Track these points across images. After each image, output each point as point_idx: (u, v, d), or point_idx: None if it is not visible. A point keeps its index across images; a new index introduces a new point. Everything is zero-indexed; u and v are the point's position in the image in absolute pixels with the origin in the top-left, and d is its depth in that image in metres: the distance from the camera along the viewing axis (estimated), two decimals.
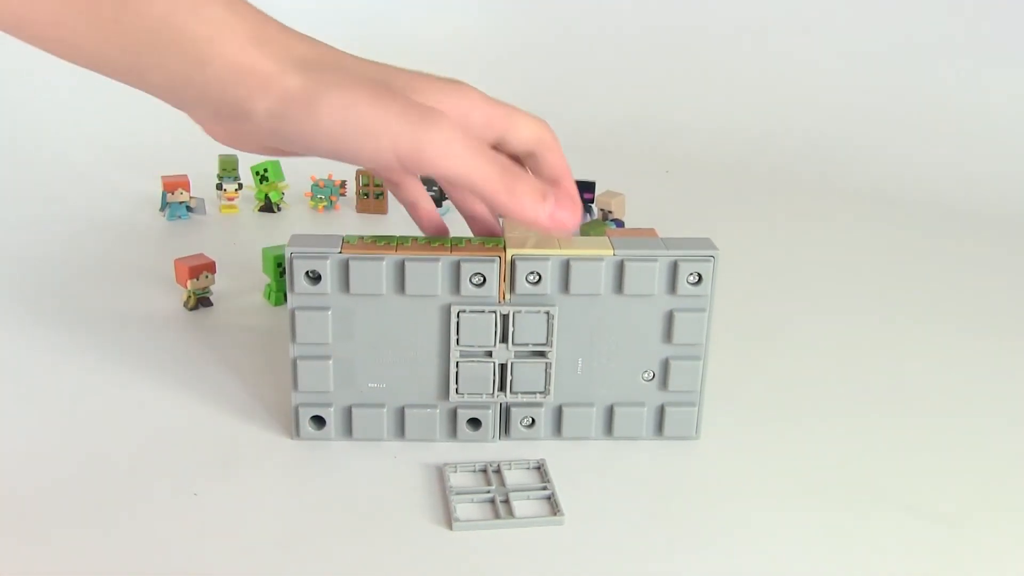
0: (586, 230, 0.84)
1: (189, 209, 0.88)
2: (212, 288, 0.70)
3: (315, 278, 0.50)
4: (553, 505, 0.48)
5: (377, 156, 0.43)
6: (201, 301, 0.69)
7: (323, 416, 0.53)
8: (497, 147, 0.49)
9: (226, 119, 0.44)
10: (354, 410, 0.53)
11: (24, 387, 0.59)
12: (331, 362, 0.52)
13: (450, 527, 0.46)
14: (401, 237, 0.52)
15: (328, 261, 0.50)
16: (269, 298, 0.71)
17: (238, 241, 0.83)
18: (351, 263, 0.50)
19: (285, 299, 0.70)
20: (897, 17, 1.29)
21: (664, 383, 0.53)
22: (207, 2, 0.42)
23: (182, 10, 0.41)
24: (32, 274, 0.75)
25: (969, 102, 1.21)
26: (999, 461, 0.54)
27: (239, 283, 0.73)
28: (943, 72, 1.23)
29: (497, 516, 0.47)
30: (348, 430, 0.53)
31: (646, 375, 0.53)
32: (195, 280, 0.68)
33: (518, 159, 0.51)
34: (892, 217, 0.98)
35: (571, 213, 0.46)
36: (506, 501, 0.48)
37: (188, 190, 0.87)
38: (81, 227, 0.85)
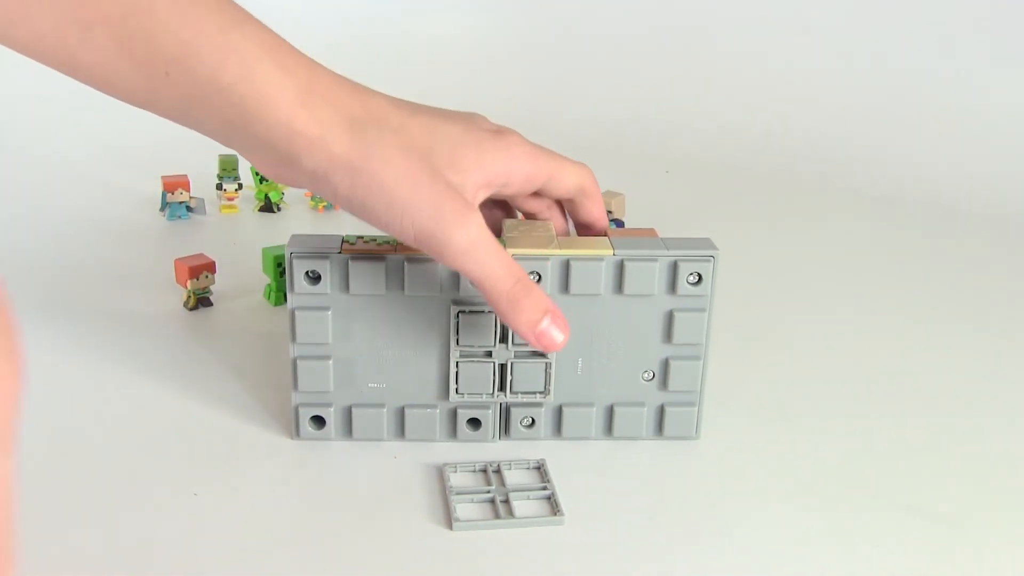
0: None
1: (189, 209, 0.88)
2: (212, 288, 0.70)
3: (315, 278, 0.50)
4: (553, 505, 0.48)
5: (400, 232, 0.45)
6: (201, 301, 0.69)
7: (323, 416, 0.53)
8: (539, 193, 0.52)
9: (275, 165, 0.45)
10: (354, 410, 0.53)
11: (24, 386, 0.59)
12: (331, 362, 0.52)
13: (450, 527, 0.46)
14: None
15: (328, 261, 0.50)
16: (269, 298, 0.71)
17: (238, 241, 0.83)
18: (351, 263, 0.50)
19: (285, 299, 0.70)
20: (898, 17, 1.29)
21: (664, 383, 0.53)
22: (257, 59, 0.42)
23: (231, 70, 0.41)
24: (32, 274, 0.75)
25: (970, 102, 1.21)
26: (999, 461, 0.54)
27: (239, 283, 0.73)
28: (943, 72, 1.23)
29: (497, 516, 0.47)
30: (348, 430, 0.53)
31: (646, 375, 0.53)
32: (195, 280, 0.68)
33: (559, 203, 0.55)
34: (892, 217, 0.98)
35: (562, 333, 0.47)
36: (506, 501, 0.48)
37: (188, 190, 0.87)
38: (81, 227, 0.85)
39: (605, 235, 0.54)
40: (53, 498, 0.48)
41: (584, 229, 0.56)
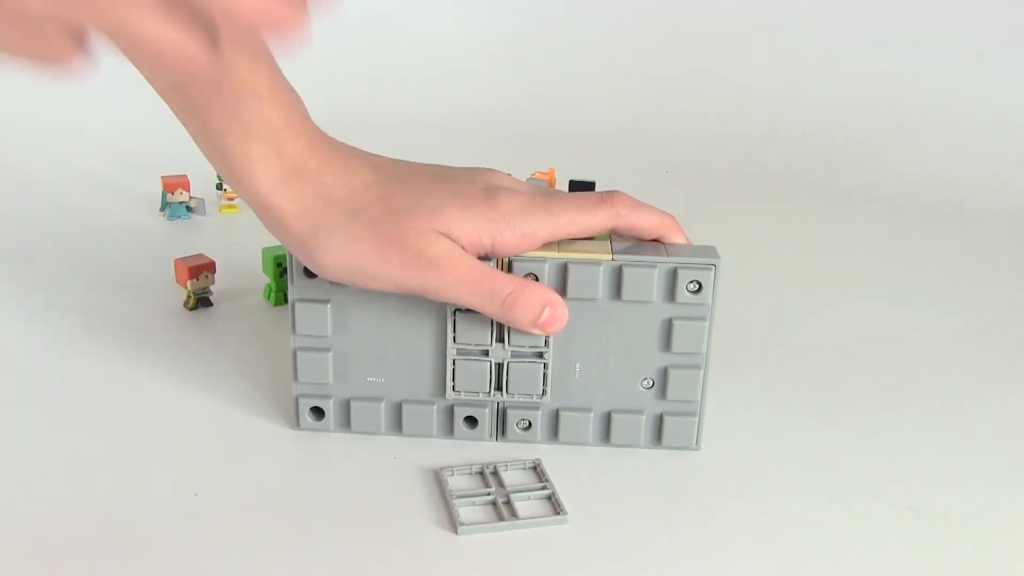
0: None
1: (189, 209, 0.88)
2: (212, 288, 0.70)
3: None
4: (555, 504, 0.49)
5: (381, 290, 0.48)
6: (201, 301, 0.69)
7: (322, 408, 0.54)
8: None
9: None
10: (352, 403, 0.53)
11: (24, 386, 0.59)
12: (330, 355, 0.52)
13: (455, 531, 0.47)
14: None
15: None
16: (269, 298, 0.71)
17: (238, 241, 0.83)
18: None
19: (285, 299, 0.70)
20: (898, 18, 1.29)
21: (663, 392, 0.52)
22: (254, 136, 0.47)
23: (235, 136, 0.47)
24: (32, 274, 0.75)
25: (970, 102, 1.21)
26: (999, 461, 0.55)
27: (239, 283, 0.73)
28: (944, 73, 1.23)
29: (501, 518, 0.47)
30: (346, 422, 0.54)
31: (645, 383, 0.53)
32: (195, 280, 0.68)
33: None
34: (892, 220, 0.98)
35: (563, 315, 0.49)
36: (508, 502, 0.49)
37: (188, 190, 0.87)
38: (81, 227, 0.85)
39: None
40: (54, 497, 0.48)
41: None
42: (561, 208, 0.49)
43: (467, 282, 0.47)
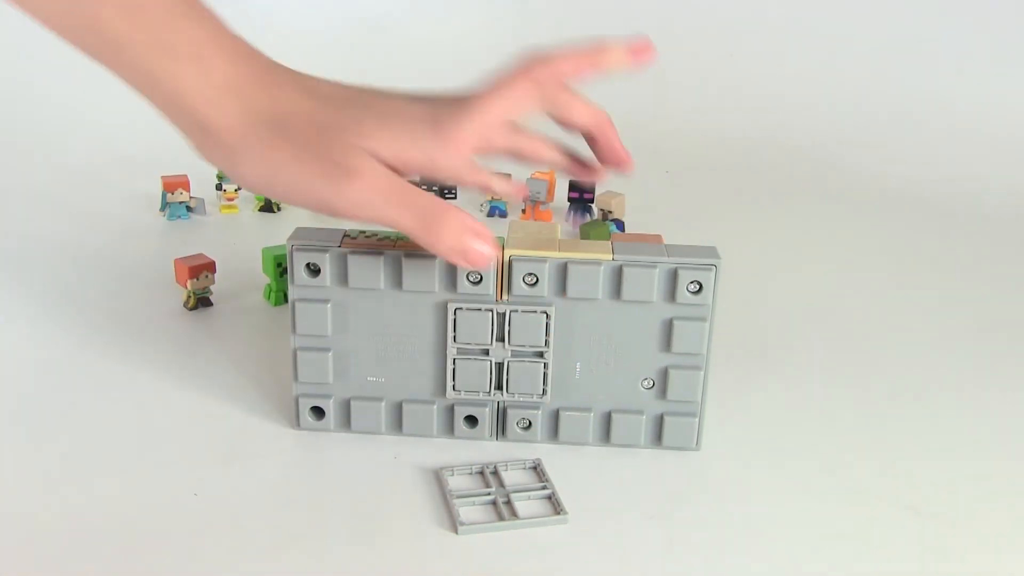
0: (587, 230, 0.84)
1: (189, 209, 0.88)
2: (212, 288, 0.70)
3: (315, 271, 0.51)
4: (555, 504, 0.49)
5: (302, 204, 0.47)
6: (201, 301, 0.69)
7: (322, 407, 0.54)
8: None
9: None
10: (352, 403, 0.53)
11: (25, 386, 0.59)
12: (330, 354, 0.52)
13: (455, 531, 0.46)
14: (401, 234, 0.52)
15: (327, 254, 0.50)
16: (269, 298, 0.71)
17: (238, 241, 0.83)
18: (349, 257, 0.50)
19: (285, 299, 0.70)
20: (899, 18, 1.29)
21: (663, 392, 0.53)
22: (180, 57, 0.46)
23: (159, 60, 0.46)
24: (32, 274, 0.75)
25: (971, 102, 1.21)
26: (999, 461, 0.55)
27: (239, 283, 0.73)
28: (945, 73, 1.23)
29: (501, 518, 0.47)
30: (347, 422, 0.54)
31: (645, 383, 0.53)
32: (195, 280, 0.68)
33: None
34: (892, 219, 0.98)
35: (487, 245, 0.47)
36: (508, 502, 0.49)
37: (188, 190, 0.87)
38: (81, 227, 0.85)
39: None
40: (54, 497, 0.48)
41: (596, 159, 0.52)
42: (479, 101, 0.47)
43: (390, 195, 0.45)
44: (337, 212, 0.46)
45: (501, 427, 0.54)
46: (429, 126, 0.46)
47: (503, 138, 0.48)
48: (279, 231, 0.86)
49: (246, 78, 0.47)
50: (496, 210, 0.93)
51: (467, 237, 0.46)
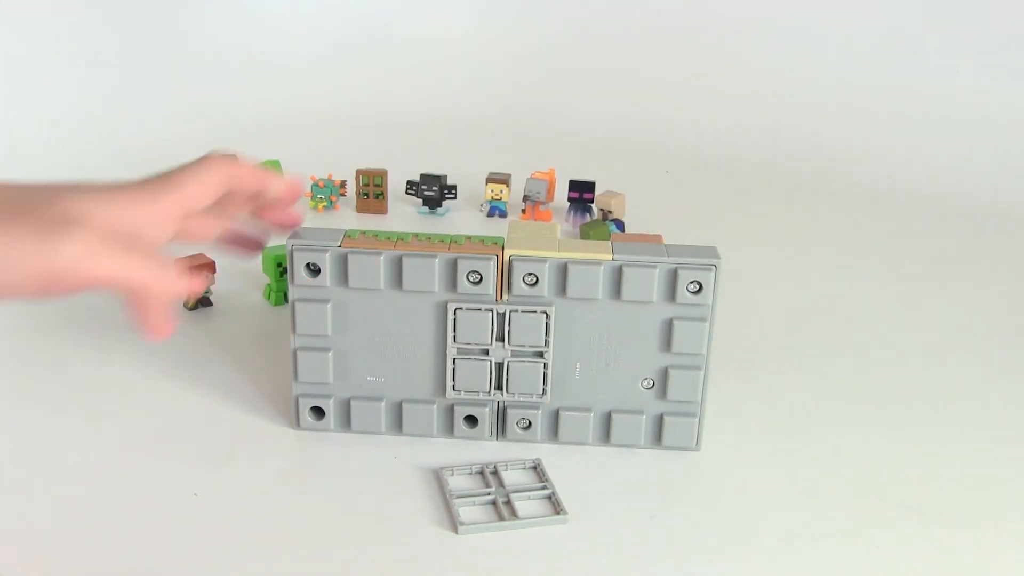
0: (587, 231, 0.84)
1: None
2: (212, 288, 0.70)
3: (315, 271, 0.51)
4: (555, 504, 0.49)
5: (17, 290, 0.39)
6: (201, 301, 0.69)
7: (322, 407, 0.54)
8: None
9: None
10: (352, 403, 0.53)
11: (25, 387, 0.59)
12: (330, 354, 0.52)
13: (455, 531, 0.46)
14: (402, 233, 0.52)
15: (327, 254, 0.50)
16: (269, 298, 0.71)
17: None
18: (349, 257, 0.50)
19: (285, 299, 0.70)
20: (899, 17, 1.29)
21: (663, 392, 0.52)
22: None
23: None
24: None
25: (971, 102, 1.20)
26: (999, 462, 0.55)
27: (239, 283, 0.73)
28: (945, 73, 1.23)
29: (501, 518, 0.47)
30: (347, 422, 0.54)
31: (645, 383, 0.53)
32: None
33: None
34: (891, 217, 0.98)
35: (200, 282, 0.46)
36: (508, 502, 0.49)
37: None
38: None
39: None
40: (54, 497, 0.48)
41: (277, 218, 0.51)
42: (182, 178, 0.45)
43: (116, 247, 0.41)
44: (62, 282, 0.40)
45: (501, 427, 0.54)
46: (143, 191, 0.44)
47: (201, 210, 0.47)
48: None
49: None
50: (496, 210, 0.93)
51: (187, 277, 0.44)
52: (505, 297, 0.51)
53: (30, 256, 0.39)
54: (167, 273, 0.43)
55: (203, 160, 0.47)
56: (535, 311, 0.51)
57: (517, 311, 0.51)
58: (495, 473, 0.51)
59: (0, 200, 0.41)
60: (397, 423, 0.54)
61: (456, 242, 0.51)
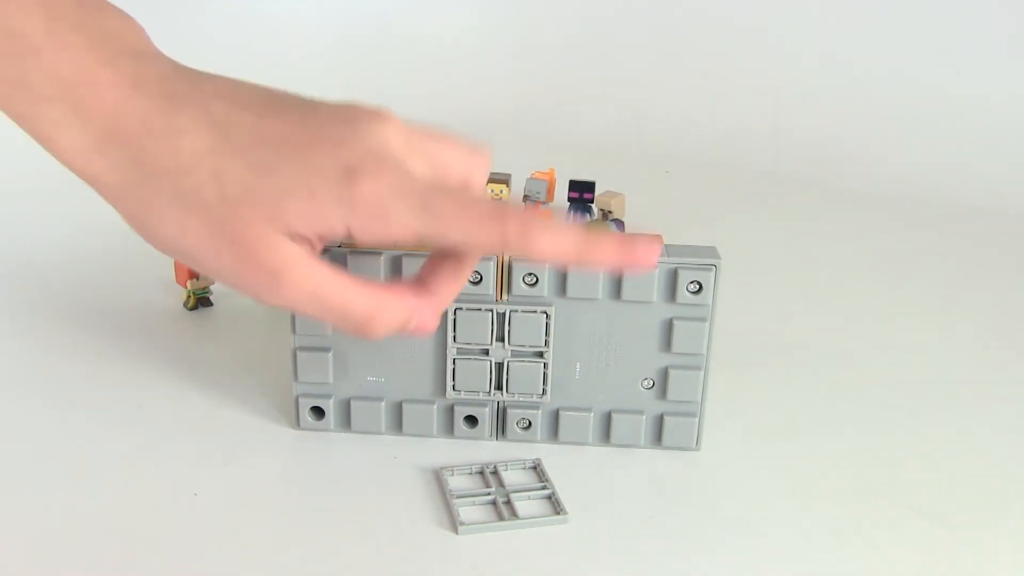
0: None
1: None
2: (212, 288, 0.70)
3: None
4: (555, 504, 0.49)
5: (229, 285, 0.39)
6: (201, 301, 0.69)
7: (322, 407, 0.54)
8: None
9: None
10: (352, 403, 0.53)
11: (24, 387, 0.59)
12: (330, 354, 0.52)
13: (455, 531, 0.47)
14: None
15: (327, 254, 0.50)
16: None
17: None
18: (349, 257, 0.50)
19: None
20: (899, 17, 1.29)
21: (663, 392, 0.53)
22: (43, 99, 0.36)
23: (22, 105, 0.37)
24: (32, 274, 0.75)
25: (971, 102, 1.20)
26: (999, 462, 0.55)
27: None
28: (944, 72, 1.23)
29: (501, 518, 0.47)
30: (347, 422, 0.54)
31: (645, 383, 0.53)
32: (195, 280, 0.68)
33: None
34: (896, 221, 0.98)
35: (431, 328, 0.42)
36: (508, 502, 0.49)
37: None
38: (81, 227, 0.85)
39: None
40: (54, 497, 0.48)
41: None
42: (445, 206, 0.38)
43: (314, 301, 0.38)
44: (276, 305, 0.39)
45: (501, 427, 0.54)
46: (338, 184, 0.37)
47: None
48: None
49: (135, 119, 0.37)
50: None
51: (412, 322, 0.41)
52: (505, 297, 0.51)
53: (241, 284, 0.38)
54: (374, 329, 0.40)
55: (494, 211, 0.38)
56: (535, 311, 0.51)
57: (517, 311, 0.51)
58: (495, 473, 0.51)
59: (206, 179, 0.37)
60: (397, 423, 0.54)
61: None
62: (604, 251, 0.39)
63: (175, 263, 0.69)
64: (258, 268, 0.37)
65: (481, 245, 0.40)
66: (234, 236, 0.37)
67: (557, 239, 0.38)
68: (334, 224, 0.37)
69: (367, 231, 0.38)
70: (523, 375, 0.52)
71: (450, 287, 0.42)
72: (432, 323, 0.42)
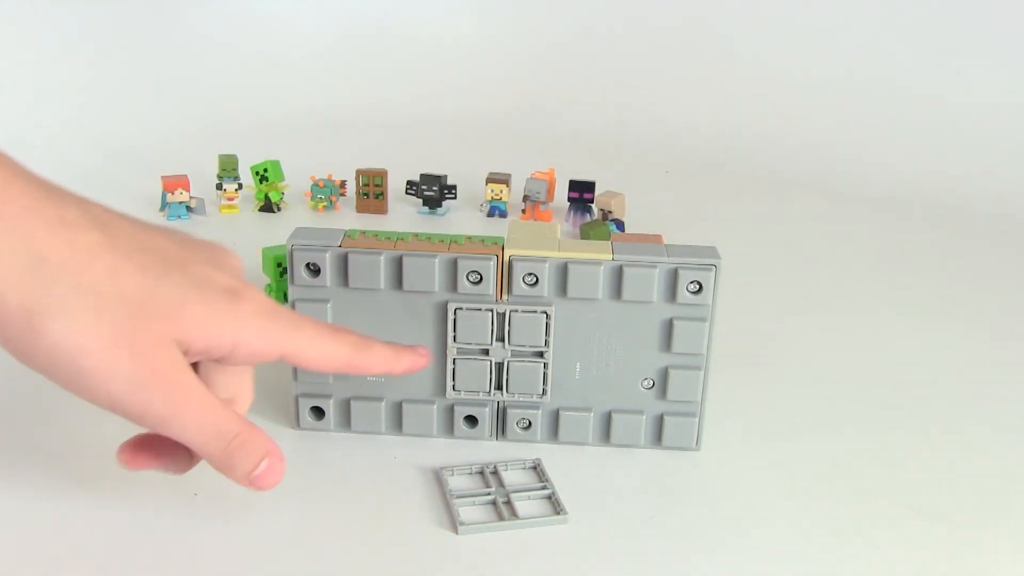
0: (586, 231, 0.84)
1: (189, 209, 0.88)
2: None
3: (315, 271, 0.51)
4: (555, 504, 0.49)
5: (93, 402, 0.38)
6: None
7: (322, 407, 0.54)
8: None
9: None
10: (352, 403, 0.53)
11: (23, 387, 0.59)
12: None
13: (455, 531, 0.47)
14: (402, 233, 0.52)
15: (327, 254, 0.50)
16: None
17: (238, 241, 0.83)
18: (350, 257, 0.50)
19: (285, 299, 0.70)
20: (898, 18, 1.29)
21: (663, 392, 0.53)
22: None
23: None
24: None
25: (970, 102, 1.21)
26: (999, 462, 0.55)
27: None
28: (943, 73, 1.23)
29: (501, 518, 0.47)
30: (346, 422, 0.54)
31: (645, 383, 0.53)
32: None
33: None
34: (896, 222, 0.98)
35: (277, 476, 0.42)
36: (508, 502, 0.49)
37: (188, 190, 0.87)
38: None
39: None
40: (53, 498, 0.48)
41: None
42: (305, 324, 0.43)
43: (197, 416, 0.39)
44: (134, 420, 0.39)
45: (501, 427, 0.54)
46: (255, 303, 0.40)
47: None
48: (279, 231, 0.86)
49: (25, 210, 0.36)
50: (496, 210, 0.93)
51: (262, 465, 0.41)
52: (505, 297, 0.51)
53: (122, 396, 0.37)
54: (236, 451, 0.41)
55: (338, 334, 0.44)
56: (535, 311, 0.51)
57: (517, 311, 0.51)
58: (495, 473, 0.51)
59: (111, 284, 0.37)
60: (397, 423, 0.54)
61: (456, 242, 0.51)
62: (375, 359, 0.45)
63: None
64: (154, 376, 0.37)
65: (331, 357, 0.44)
66: (133, 342, 0.36)
67: (385, 356, 0.46)
68: (223, 336, 0.39)
69: (248, 346, 0.40)
70: (523, 375, 0.52)
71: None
72: (278, 474, 0.42)
